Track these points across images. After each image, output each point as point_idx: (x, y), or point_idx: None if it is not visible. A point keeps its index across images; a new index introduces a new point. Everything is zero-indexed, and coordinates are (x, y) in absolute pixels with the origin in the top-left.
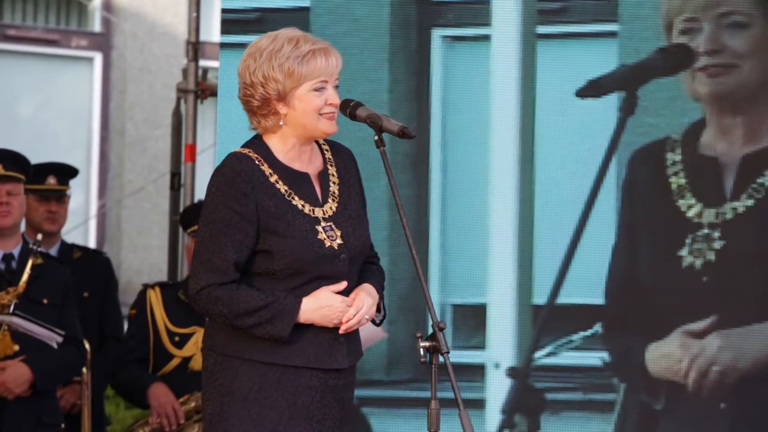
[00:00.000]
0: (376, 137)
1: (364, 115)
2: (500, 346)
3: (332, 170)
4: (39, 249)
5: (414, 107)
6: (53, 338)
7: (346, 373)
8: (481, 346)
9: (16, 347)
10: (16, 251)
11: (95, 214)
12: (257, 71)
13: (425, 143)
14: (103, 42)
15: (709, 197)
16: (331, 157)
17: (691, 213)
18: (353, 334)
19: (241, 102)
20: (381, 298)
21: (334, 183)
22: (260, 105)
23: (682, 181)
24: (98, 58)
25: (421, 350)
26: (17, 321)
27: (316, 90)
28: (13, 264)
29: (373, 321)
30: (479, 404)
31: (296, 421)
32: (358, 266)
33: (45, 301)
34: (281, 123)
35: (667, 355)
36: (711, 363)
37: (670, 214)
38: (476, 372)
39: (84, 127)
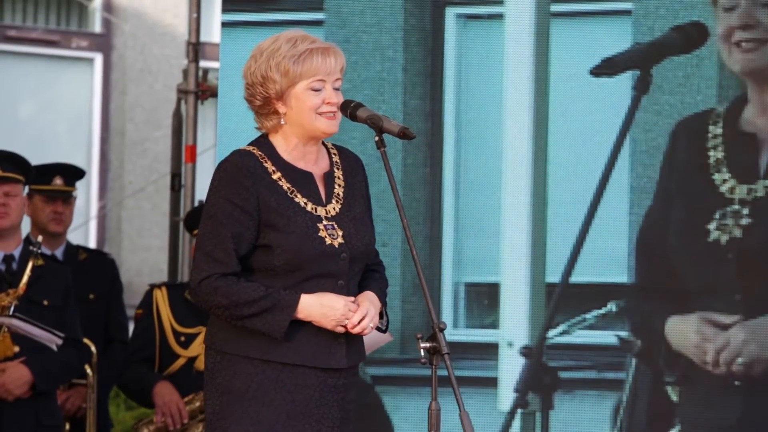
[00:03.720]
0: (377, 138)
1: (364, 116)
2: (514, 325)
3: (338, 173)
4: (39, 250)
5: (428, 85)
6: (53, 340)
7: (346, 373)
8: (494, 325)
9: (16, 348)
10: (16, 252)
11: (95, 215)
12: (256, 71)
13: (439, 121)
14: (103, 43)
15: (744, 173)
16: (338, 160)
17: (724, 188)
18: (355, 336)
19: (246, 102)
20: (384, 305)
21: (339, 185)
22: (262, 105)
23: (720, 155)
24: (98, 58)
25: (422, 351)
26: (17, 323)
27: (313, 89)
28: (14, 265)
29: (378, 328)
30: (492, 383)
31: (295, 419)
32: (358, 268)
33: (45, 302)
34: (282, 122)
35: (688, 337)
36: (737, 355)
37: (704, 186)
38: (490, 351)
39: (84, 127)
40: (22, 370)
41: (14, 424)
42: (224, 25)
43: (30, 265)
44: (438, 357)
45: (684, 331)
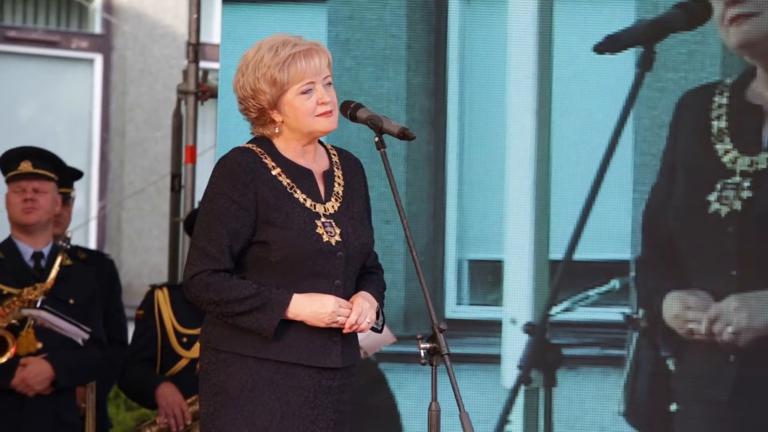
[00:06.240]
0: (377, 139)
1: (364, 116)
2: (517, 302)
3: (338, 172)
4: (69, 246)
5: (432, 63)
6: (80, 334)
7: (341, 373)
8: (498, 302)
9: (39, 345)
10: (45, 250)
11: (95, 216)
12: (246, 85)
13: (442, 100)
14: (103, 43)
15: (747, 145)
16: (338, 161)
17: (726, 158)
18: (350, 336)
19: (242, 115)
20: (381, 305)
21: (338, 184)
22: (257, 116)
23: (723, 124)
24: (99, 59)
25: (422, 352)
26: (45, 315)
27: (304, 93)
28: (42, 263)
29: (373, 328)
30: (496, 360)
31: (289, 420)
32: (355, 267)
33: (71, 301)
34: (277, 131)
35: (674, 309)
36: (728, 323)
37: (706, 156)
38: (493, 328)
39: (84, 128)
40: (43, 365)
41: (34, 419)
42: (225, 1)
43: (59, 259)
44: (438, 358)
45: (673, 305)
